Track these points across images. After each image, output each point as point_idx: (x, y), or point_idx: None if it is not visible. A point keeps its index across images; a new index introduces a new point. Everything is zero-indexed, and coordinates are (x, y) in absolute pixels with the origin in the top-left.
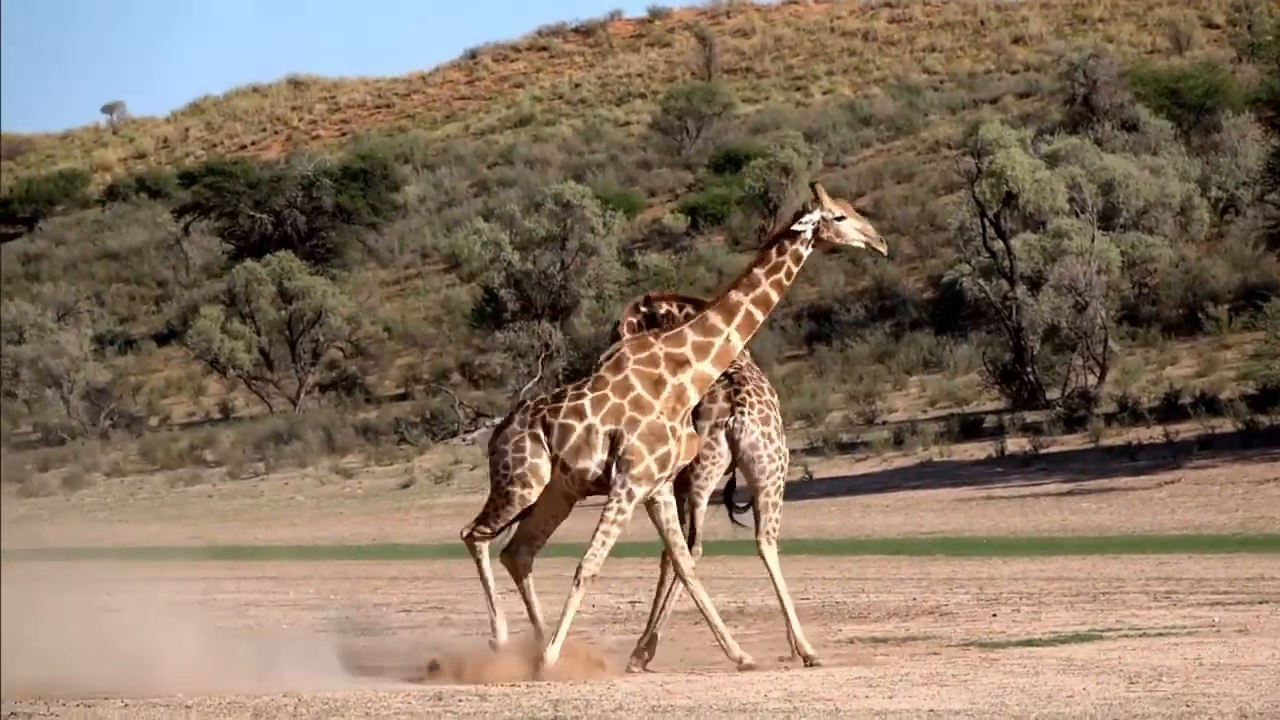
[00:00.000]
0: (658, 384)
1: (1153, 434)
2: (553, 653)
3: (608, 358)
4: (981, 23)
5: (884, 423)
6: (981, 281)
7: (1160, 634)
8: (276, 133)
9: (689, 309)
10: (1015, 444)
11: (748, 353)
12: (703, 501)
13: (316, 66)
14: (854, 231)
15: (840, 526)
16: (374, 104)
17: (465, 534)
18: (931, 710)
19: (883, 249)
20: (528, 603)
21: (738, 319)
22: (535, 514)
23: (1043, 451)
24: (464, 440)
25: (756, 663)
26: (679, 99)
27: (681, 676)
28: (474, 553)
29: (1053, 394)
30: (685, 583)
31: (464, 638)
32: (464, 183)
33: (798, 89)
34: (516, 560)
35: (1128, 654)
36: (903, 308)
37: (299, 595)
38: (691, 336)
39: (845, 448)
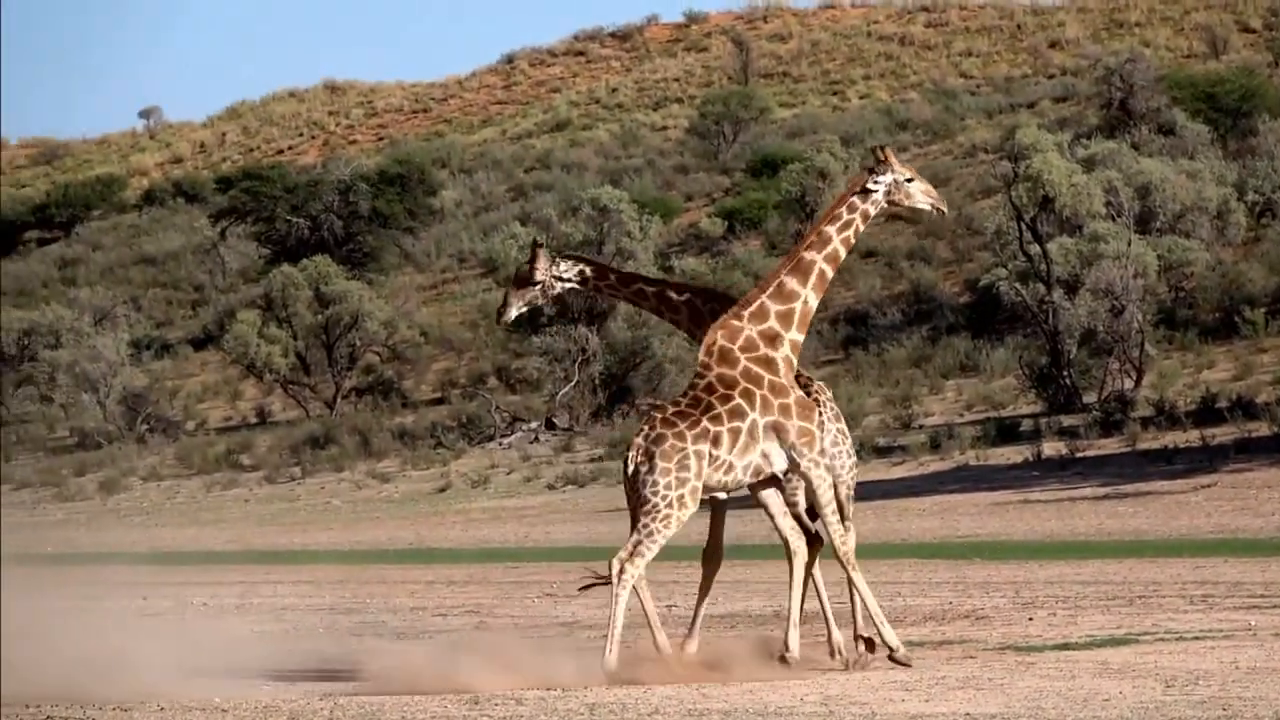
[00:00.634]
0: (769, 363)
1: (1189, 438)
2: (795, 643)
3: (708, 354)
4: (1018, 27)
5: (920, 427)
6: (1018, 285)
7: (1197, 638)
8: (313, 137)
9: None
10: (1051, 448)
11: None
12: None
13: (353, 71)
14: (920, 194)
15: (876, 530)
16: (411, 109)
17: (620, 566)
18: (968, 714)
19: (944, 207)
20: (698, 606)
21: (812, 279)
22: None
23: (1079, 455)
24: (500, 445)
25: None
26: (716, 103)
27: (717, 681)
28: (621, 585)
29: (1089, 398)
30: (805, 571)
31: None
32: (501, 187)
33: (834, 93)
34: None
35: (1164, 658)
36: (939, 312)
37: (335, 599)
38: (773, 307)
39: (882, 451)
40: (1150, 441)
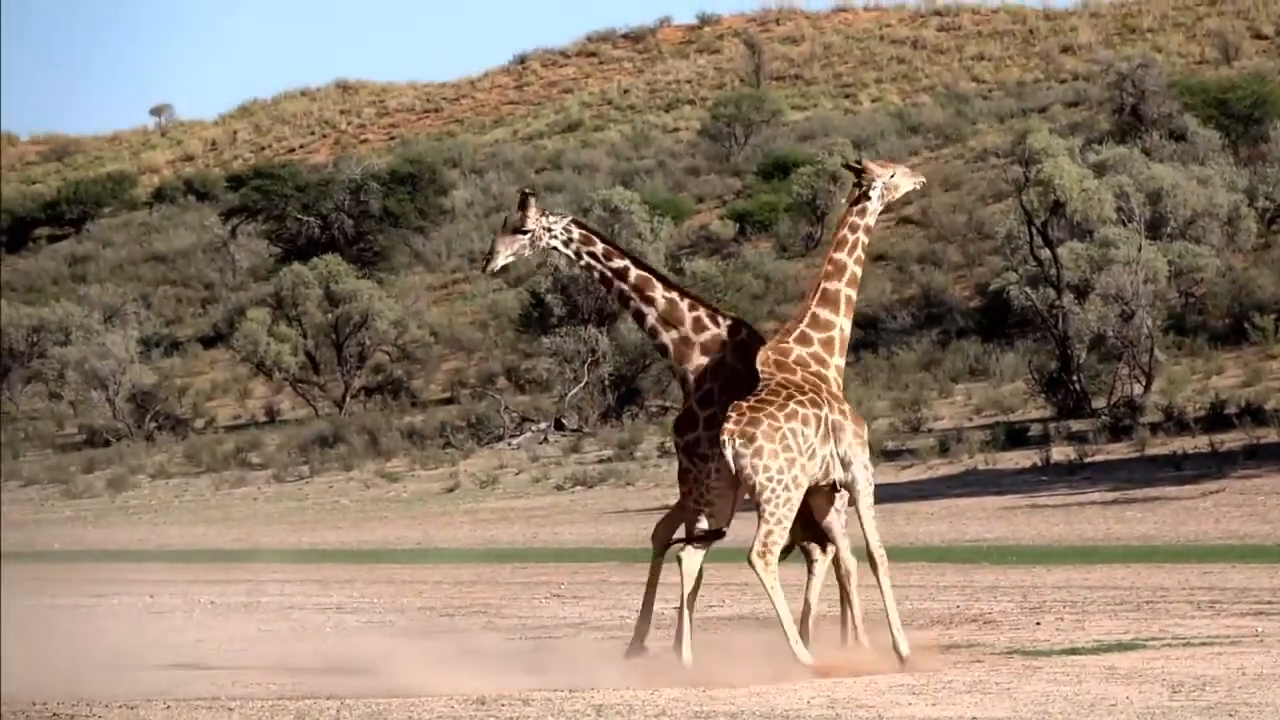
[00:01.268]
0: (824, 378)
1: (1198, 443)
2: (905, 645)
3: (765, 364)
4: (1030, 32)
5: (930, 430)
6: (1028, 290)
7: (1204, 643)
8: (324, 136)
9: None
10: (1060, 452)
11: None
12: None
13: (365, 71)
14: (904, 180)
15: (884, 534)
16: (422, 108)
17: (763, 562)
18: (974, 718)
19: (923, 179)
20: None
21: (842, 306)
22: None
23: (1088, 460)
24: (509, 445)
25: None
26: (728, 105)
27: (723, 683)
28: (769, 577)
29: (1098, 403)
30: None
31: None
32: (512, 188)
33: (846, 96)
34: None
35: (1171, 663)
36: (949, 316)
37: (343, 598)
38: (816, 335)
39: (890, 455)
40: (1159, 447)
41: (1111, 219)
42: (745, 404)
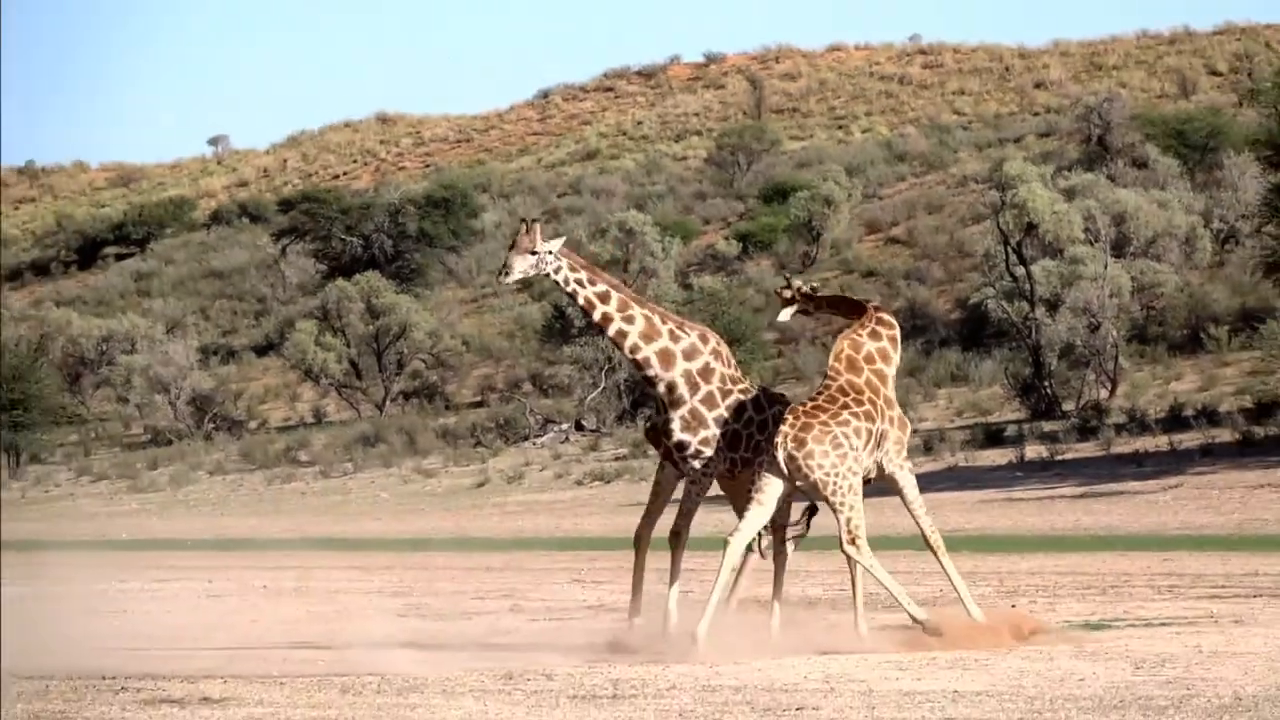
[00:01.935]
0: (884, 378)
1: (1158, 443)
2: (978, 613)
3: (838, 360)
4: (1006, 69)
5: (915, 431)
6: (1004, 303)
7: (1163, 624)
8: (366, 164)
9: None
10: (1034, 451)
11: None
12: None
13: (403, 104)
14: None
15: (874, 524)
16: (455, 139)
17: (854, 549)
18: (955, 691)
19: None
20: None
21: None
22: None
23: (1058, 458)
24: (534, 444)
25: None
26: (731, 136)
27: (729, 660)
28: (865, 558)
29: (1068, 406)
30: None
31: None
32: (536, 210)
33: (839, 127)
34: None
35: (1134, 642)
36: (933, 327)
37: (383, 583)
38: (884, 332)
39: None
40: (1123, 446)
41: (1080, 239)
42: (801, 409)
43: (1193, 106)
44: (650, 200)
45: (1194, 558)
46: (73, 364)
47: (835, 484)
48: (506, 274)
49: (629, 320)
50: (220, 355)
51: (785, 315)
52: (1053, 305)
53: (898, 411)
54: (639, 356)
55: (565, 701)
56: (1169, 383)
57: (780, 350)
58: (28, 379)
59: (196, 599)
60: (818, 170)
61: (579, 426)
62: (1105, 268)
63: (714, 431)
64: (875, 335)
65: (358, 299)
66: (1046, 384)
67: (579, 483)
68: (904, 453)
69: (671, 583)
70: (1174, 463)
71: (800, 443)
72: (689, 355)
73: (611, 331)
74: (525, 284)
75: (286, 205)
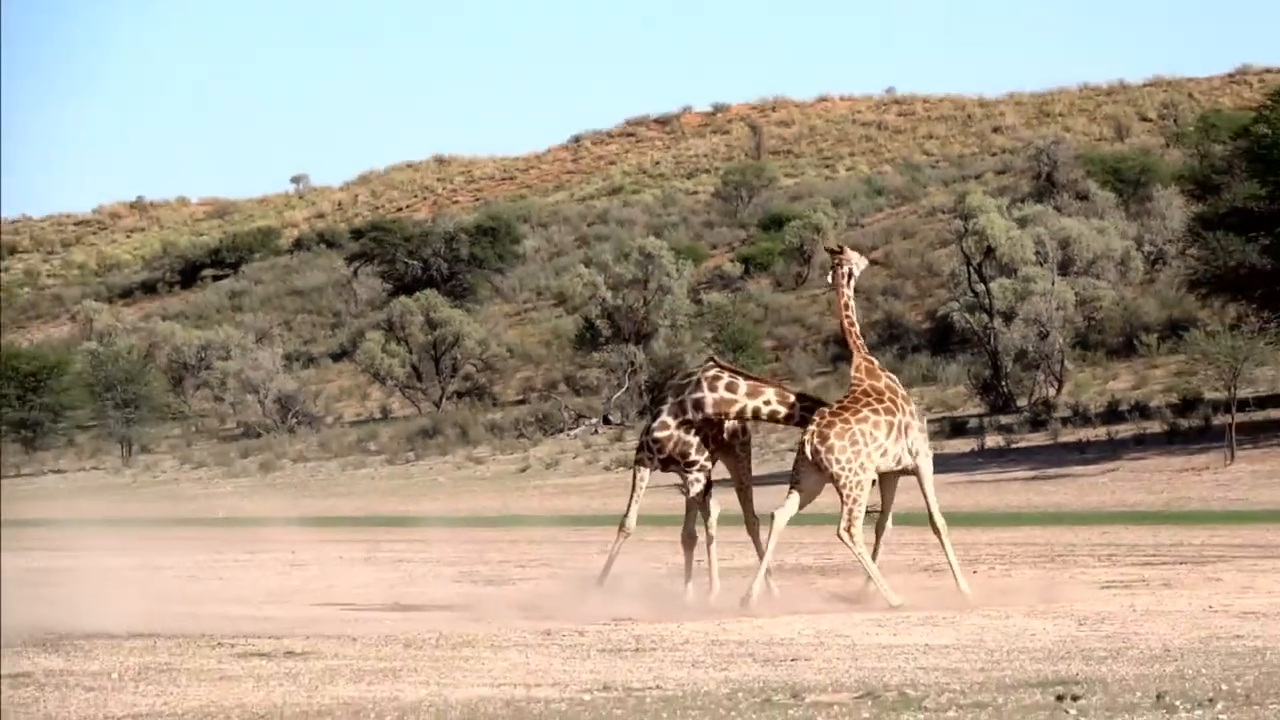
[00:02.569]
0: (894, 387)
1: (1098, 433)
2: (966, 587)
3: (859, 370)
4: (969, 116)
5: None
6: (967, 315)
7: (1103, 587)
8: (425, 198)
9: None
10: (992, 440)
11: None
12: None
13: (457, 148)
14: (861, 261)
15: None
16: (501, 176)
17: (848, 536)
18: (926, 644)
19: (866, 261)
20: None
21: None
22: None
23: (1013, 446)
24: (568, 436)
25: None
26: (735, 174)
27: (734, 617)
28: (857, 546)
29: (1021, 402)
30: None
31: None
32: (569, 237)
33: (827, 166)
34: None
35: (1077, 602)
36: (906, 335)
37: (440, 554)
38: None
39: None
40: (1068, 436)
41: (1031, 260)
42: (829, 410)
43: (1127, 148)
44: (666, 228)
45: (1129, 530)
46: (176, 369)
47: (847, 479)
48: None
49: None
50: (301, 361)
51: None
52: (1008, 317)
53: (915, 406)
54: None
55: (595, 654)
56: (1107, 382)
57: (777, 355)
58: (138, 382)
59: (281, 567)
60: (808, 203)
61: (606, 420)
62: (1053, 285)
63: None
64: (872, 360)
65: (418, 313)
66: (1003, 383)
67: (606, 469)
68: (928, 441)
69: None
70: (1111, 450)
71: (824, 438)
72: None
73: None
74: (562, 299)
75: (357, 234)
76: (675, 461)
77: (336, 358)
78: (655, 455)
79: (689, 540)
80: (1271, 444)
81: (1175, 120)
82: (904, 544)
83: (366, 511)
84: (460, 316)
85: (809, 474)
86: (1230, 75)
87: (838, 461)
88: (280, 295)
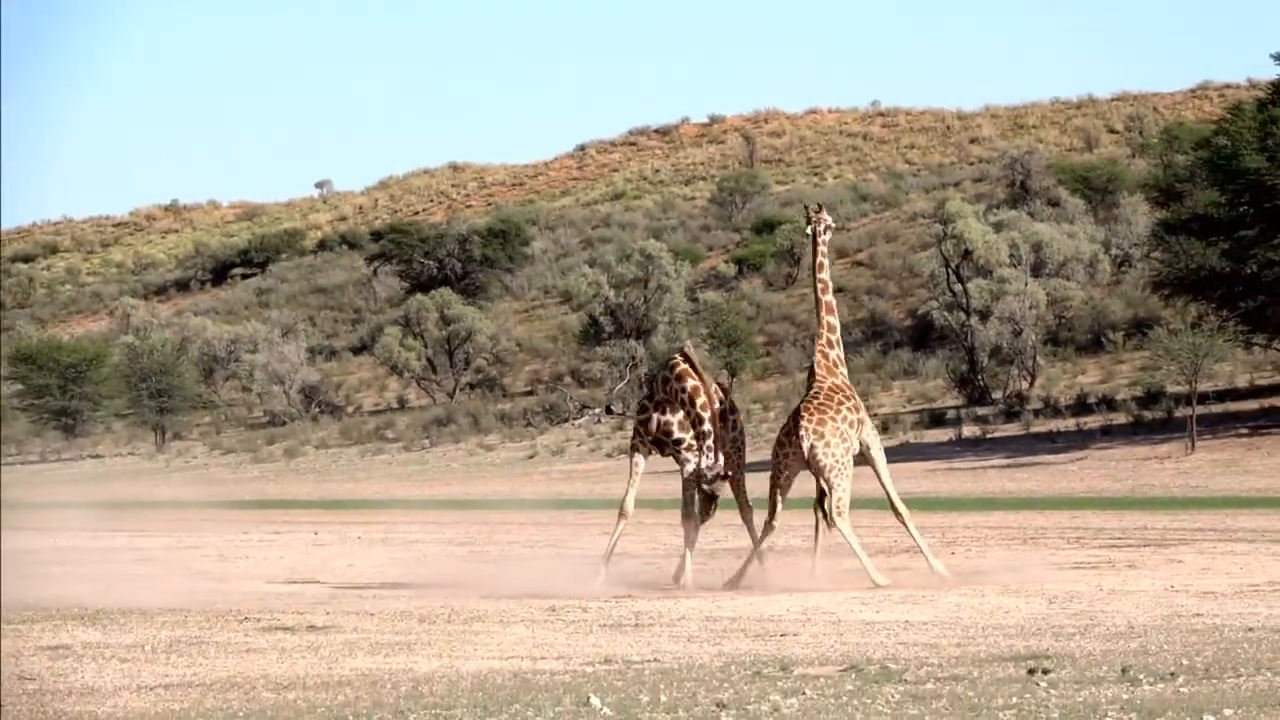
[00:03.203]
0: (846, 380)
1: (1068, 424)
2: (939, 566)
3: (820, 367)
4: (948, 128)
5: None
6: (946, 313)
7: (1073, 567)
8: (440, 203)
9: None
10: (969, 431)
11: None
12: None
13: (470, 155)
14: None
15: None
16: (511, 182)
17: (837, 514)
18: (907, 621)
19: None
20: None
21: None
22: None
23: (989, 436)
24: (573, 425)
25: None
26: (730, 181)
27: (728, 595)
28: (846, 527)
29: (996, 395)
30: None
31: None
32: (575, 240)
33: (815, 174)
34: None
35: (1048, 582)
36: (889, 332)
37: (453, 534)
38: (837, 341)
39: None
40: (1040, 426)
41: (1006, 263)
42: (812, 405)
43: (1095, 158)
44: (665, 231)
45: (1096, 515)
46: (207, 361)
47: (837, 469)
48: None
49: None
50: (324, 354)
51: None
52: (984, 315)
53: (859, 400)
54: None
55: (597, 629)
56: (1076, 376)
57: (768, 350)
58: (171, 373)
59: (304, 547)
60: (798, 208)
61: (609, 410)
62: (1026, 285)
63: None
64: (831, 344)
65: (433, 310)
66: (979, 377)
67: (609, 455)
68: (876, 433)
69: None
70: (1080, 440)
71: (820, 435)
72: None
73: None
74: (568, 297)
75: (377, 235)
76: (663, 443)
77: (357, 351)
78: (645, 439)
79: (688, 520)
80: (1229, 435)
81: (1141, 132)
82: (885, 527)
83: (384, 495)
84: (472, 313)
85: (795, 467)
86: (1192, 90)
87: (831, 455)
88: (305, 293)
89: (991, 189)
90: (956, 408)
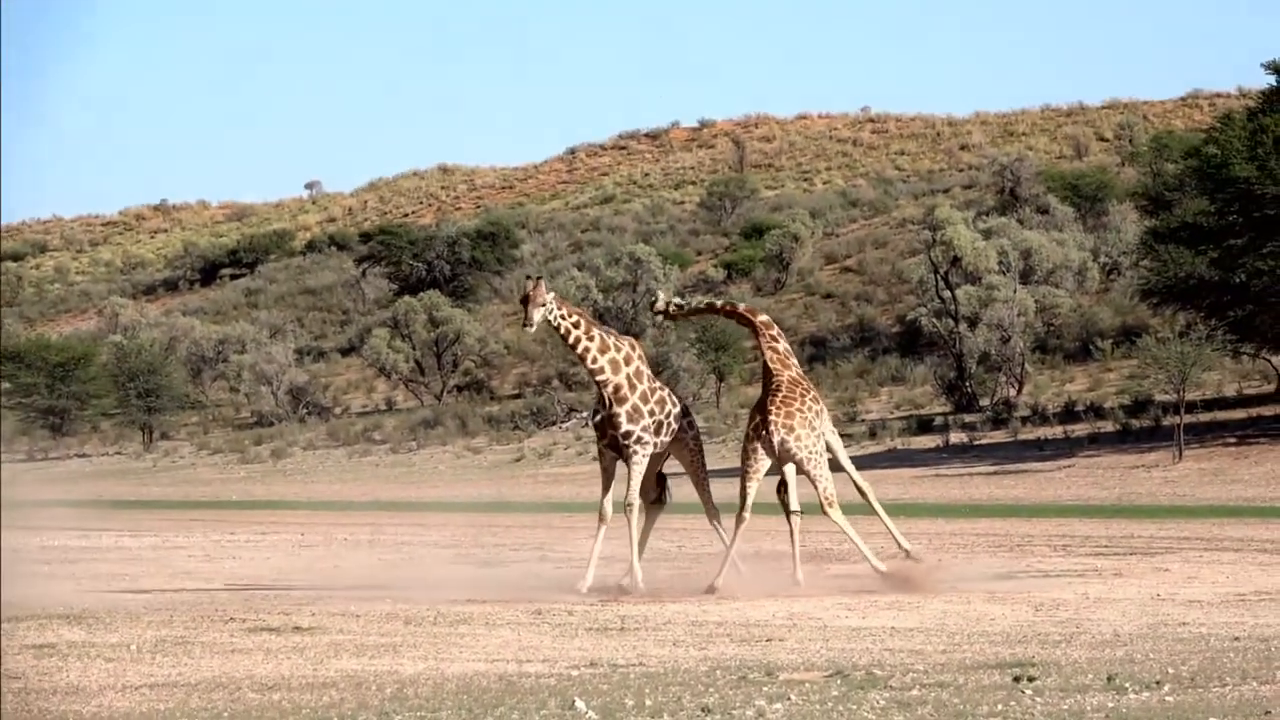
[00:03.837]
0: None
1: (1055, 432)
2: (907, 544)
3: (774, 362)
4: (938, 134)
5: (862, 420)
6: (934, 320)
7: (1058, 575)
8: (430, 205)
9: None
10: (956, 437)
11: None
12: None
13: (460, 157)
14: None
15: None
16: (500, 185)
17: (827, 504)
18: (893, 627)
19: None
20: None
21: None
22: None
23: (976, 443)
24: (560, 428)
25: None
26: (719, 185)
27: (714, 600)
28: (837, 513)
29: (984, 401)
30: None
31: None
32: (564, 243)
33: (805, 179)
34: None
35: (1034, 590)
36: (877, 338)
37: (439, 537)
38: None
39: None
40: (1027, 434)
41: (994, 270)
42: (777, 399)
43: (1085, 166)
44: (654, 235)
45: (1083, 523)
46: (195, 361)
47: (814, 460)
48: (529, 325)
49: (590, 338)
50: (312, 355)
51: (659, 313)
52: (973, 322)
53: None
54: (596, 365)
55: (583, 633)
56: (1064, 384)
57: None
58: (159, 373)
59: (291, 548)
60: (787, 213)
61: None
62: (1014, 292)
63: (648, 421)
64: (776, 338)
65: (422, 312)
66: (967, 384)
67: (595, 459)
68: (829, 419)
69: (640, 547)
70: (1068, 448)
71: (790, 429)
72: (627, 361)
73: (580, 348)
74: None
75: (366, 237)
76: (615, 439)
77: (345, 353)
78: (600, 439)
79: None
80: (1217, 444)
81: (1130, 140)
82: (872, 533)
83: (371, 497)
84: (461, 315)
85: (766, 462)
86: (1182, 99)
87: (805, 448)
88: (293, 294)
89: (981, 196)
90: (944, 414)
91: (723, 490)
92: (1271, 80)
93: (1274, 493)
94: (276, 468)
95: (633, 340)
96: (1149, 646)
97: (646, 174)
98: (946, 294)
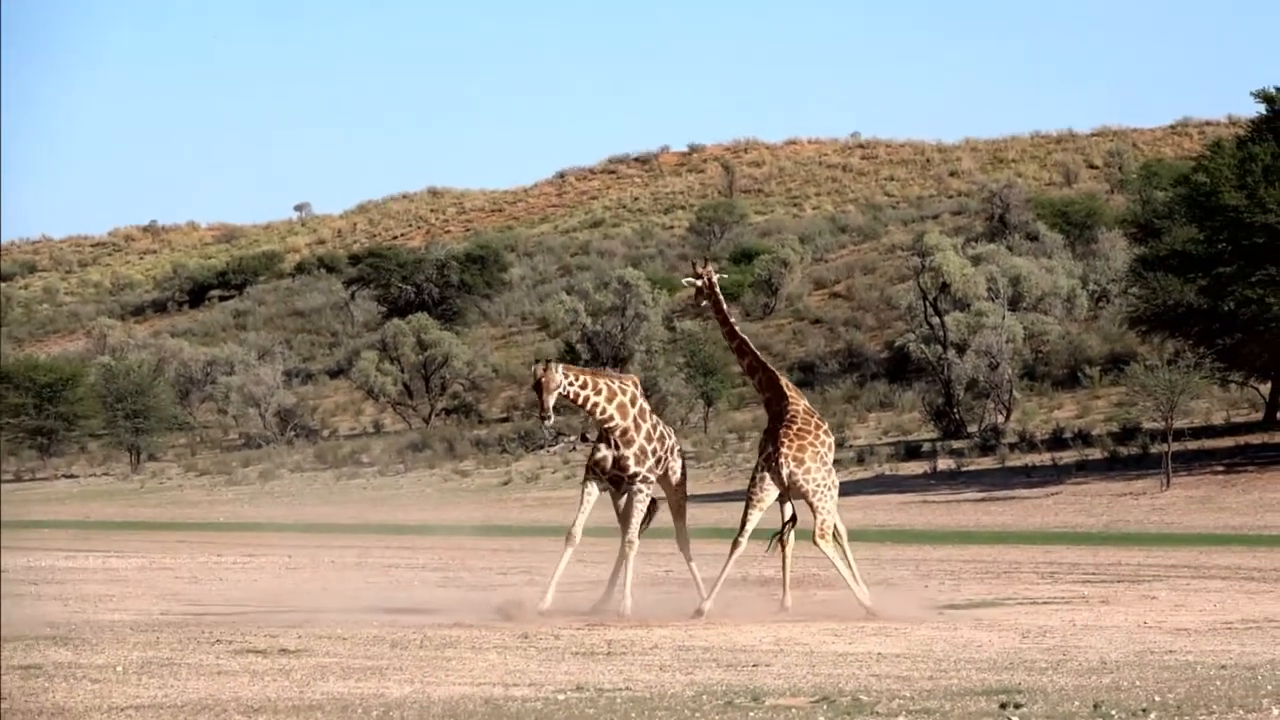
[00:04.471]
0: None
1: (1043, 458)
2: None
3: (790, 391)
4: (927, 160)
5: (850, 446)
6: (923, 346)
7: (1045, 602)
8: (419, 228)
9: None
10: (944, 463)
11: None
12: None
13: (449, 180)
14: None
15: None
16: (490, 208)
17: (820, 536)
18: (879, 653)
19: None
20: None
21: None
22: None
23: (964, 469)
24: (548, 452)
25: (879, 610)
26: (709, 210)
27: (702, 626)
28: (830, 547)
29: (972, 428)
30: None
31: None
32: (553, 267)
33: (794, 205)
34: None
35: (1022, 616)
36: (865, 364)
37: (426, 560)
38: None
39: None
40: (1015, 460)
41: (983, 296)
42: (791, 431)
43: (1074, 193)
44: (644, 260)
45: (1070, 550)
46: (183, 383)
47: (821, 493)
48: (547, 419)
49: (597, 392)
50: (300, 377)
51: (697, 279)
52: (961, 348)
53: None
54: (605, 414)
55: (570, 657)
56: (1052, 411)
57: (745, 380)
58: (147, 394)
59: (278, 571)
60: (777, 238)
61: (584, 438)
62: (1003, 319)
63: (652, 461)
64: (777, 370)
65: (410, 334)
66: (955, 410)
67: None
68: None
69: (622, 575)
70: (1055, 474)
71: (799, 461)
72: (633, 401)
73: (589, 405)
74: (545, 324)
75: (355, 259)
76: (614, 475)
77: (333, 375)
78: (596, 470)
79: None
80: (1204, 472)
81: (1120, 168)
82: (860, 559)
83: (358, 519)
84: (449, 338)
85: (773, 492)
86: (1172, 126)
87: (812, 480)
88: (282, 315)
89: (970, 222)
90: (932, 440)
91: (713, 514)
92: (1261, 109)
93: (1261, 521)
94: (264, 490)
95: (634, 378)
96: (1135, 674)
97: (636, 198)
98: (935, 320)
